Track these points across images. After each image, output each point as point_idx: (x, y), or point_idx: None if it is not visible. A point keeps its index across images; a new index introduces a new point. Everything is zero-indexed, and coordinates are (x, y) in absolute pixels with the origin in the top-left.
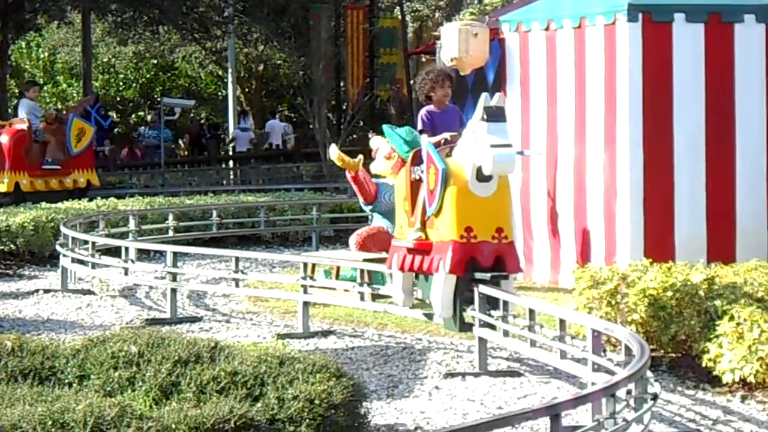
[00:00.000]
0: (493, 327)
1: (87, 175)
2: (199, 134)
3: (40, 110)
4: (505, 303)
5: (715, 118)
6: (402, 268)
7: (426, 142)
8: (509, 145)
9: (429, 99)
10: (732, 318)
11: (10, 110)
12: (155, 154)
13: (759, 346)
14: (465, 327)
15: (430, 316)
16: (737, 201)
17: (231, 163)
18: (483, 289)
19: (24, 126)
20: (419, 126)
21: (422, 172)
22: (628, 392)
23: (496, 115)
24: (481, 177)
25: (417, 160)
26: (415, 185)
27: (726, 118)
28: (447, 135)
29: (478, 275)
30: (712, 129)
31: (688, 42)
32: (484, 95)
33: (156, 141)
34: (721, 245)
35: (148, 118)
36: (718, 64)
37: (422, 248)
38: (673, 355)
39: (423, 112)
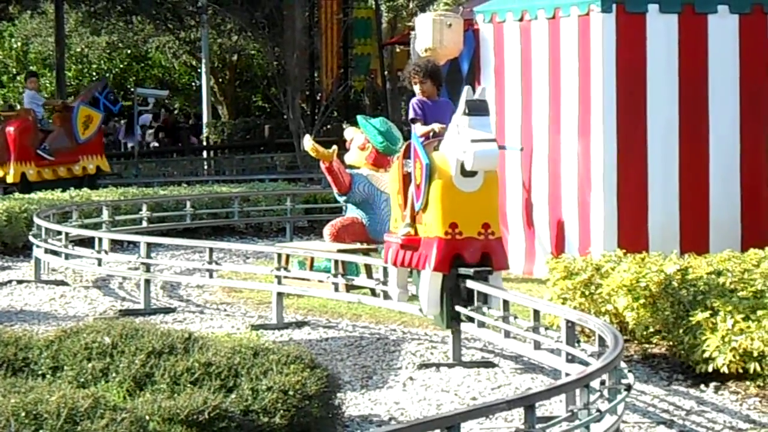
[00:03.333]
0: (483, 324)
1: (97, 161)
2: (175, 124)
3: (41, 99)
4: (490, 297)
5: (688, 109)
6: (395, 263)
7: (413, 134)
8: (492, 140)
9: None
10: (705, 308)
11: None
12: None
13: (732, 336)
14: (453, 324)
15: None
16: (711, 192)
17: (205, 153)
18: (470, 284)
19: (29, 116)
20: (410, 114)
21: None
22: (602, 383)
23: (478, 108)
24: (465, 172)
25: (409, 152)
26: (407, 178)
27: (700, 109)
28: (437, 126)
29: (462, 271)
30: (686, 120)
31: (661, 33)
32: (466, 88)
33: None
34: (694, 236)
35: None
36: (691, 55)
37: (412, 243)
38: (647, 345)
39: (414, 100)
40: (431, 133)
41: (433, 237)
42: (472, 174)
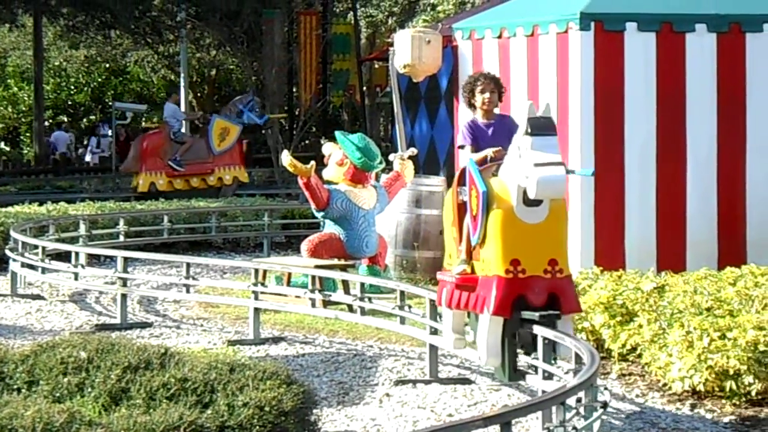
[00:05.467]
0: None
1: (234, 172)
2: (128, 136)
3: (182, 114)
4: (559, 345)
5: (666, 127)
6: (450, 305)
7: (467, 158)
8: (559, 164)
9: (473, 107)
10: (682, 326)
11: None
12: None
13: (708, 354)
14: (516, 376)
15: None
16: (688, 209)
17: None
18: (539, 330)
19: (164, 129)
20: (458, 141)
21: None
22: (578, 400)
23: (542, 127)
24: (528, 200)
25: (464, 178)
26: (462, 208)
27: (677, 127)
28: (491, 151)
29: (526, 314)
30: (664, 138)
31: (639, 51)
32: (529, 104)
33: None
34: (671, 254)
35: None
36: (669, 73)
37: (468, 283)
38: (624, 363)
39: (465, 124)
40: (488, 158)
41: (492, 276)
42: (537, 203)
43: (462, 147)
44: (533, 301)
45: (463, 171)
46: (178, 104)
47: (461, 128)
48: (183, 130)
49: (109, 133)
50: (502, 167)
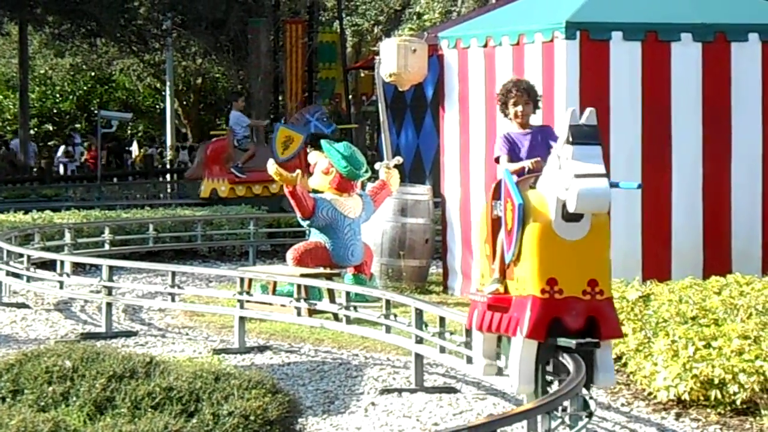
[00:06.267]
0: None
1: None
2: (120, 147)
3: (246, 120)
4: (596, 372)
5: (651, 136)
6: (480, 328)
7: (503, 170)
8: (602, 175)
9: (509, 119)
10: (667, 335)
11: None
12: None
13: (694, 364)
14: None
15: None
16: (673, 218)
17: (168, 176)
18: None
19: (228, 136)
20: (495, 152)
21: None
22: (564, 409)
23: (585, 136)
24: (568, 215)
25: (499, 192)
26: (496, 224)
27: (663, 137)
28: (529, 162)
29: (562, 341)
30: (649, 147)
31: (625, 60)
32: (571, 110)
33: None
34: (656, 263)
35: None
36: (655, 82)
37: (501, 304)
38: None
39: (501, 136)
40: (526, 170)
41: (527, 296)
42: (577, 218)
43: (497, 159)
44: (570, 325)
45: (499, 184)
46: (243, 111)
47: (497, 139)
48: (247, 136)
49: (80, 141)
50: (540, 179)
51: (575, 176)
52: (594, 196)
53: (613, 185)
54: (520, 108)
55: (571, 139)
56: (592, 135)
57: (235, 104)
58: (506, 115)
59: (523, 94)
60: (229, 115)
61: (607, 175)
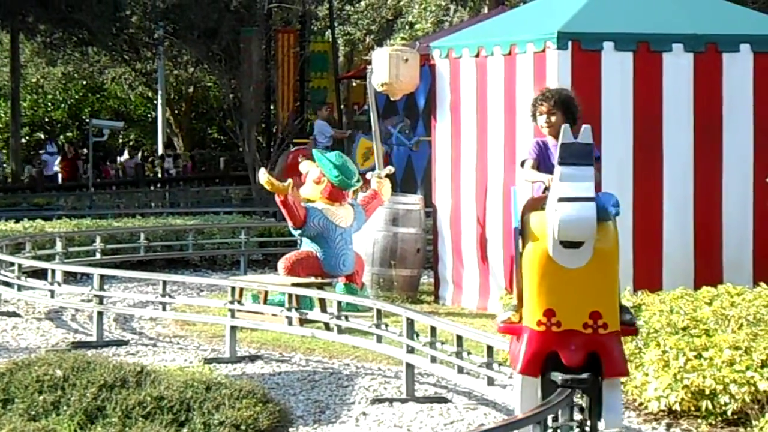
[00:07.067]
0: None
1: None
2: (76, 157)
3: (329, 130)
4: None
5: (643, 147)
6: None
7: (521, 178)
8: (588, 199)
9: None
10: (658, 346)
11: None
12: None
13: (684, 374)
14: None
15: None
16: (664, 229)
17: (159, 185)
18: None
19: (310, 144)
20: (523, 156)
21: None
22: (555, 419)
23: (575, 155)
24: (565, 241)
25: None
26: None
27: (654, 147)
28: (546, 178)
29: (554, 376)
30: (640, 157)
31: (616, 70)
32: (564, 127)
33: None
34: (647, 273)
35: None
36: (646, 93)
37: (512, 334)
38: None
39: (533, 141)
40: (544, 186)
41: (525, 327)
42: (576, 244)
43: (523, 163)
44: (567, 360)
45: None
46: (327, 119)
47: (531, 145)
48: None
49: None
50: (548, 199)
51: (558, 200)
52: (577, 222)
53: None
54: (544, 118)
55: (560, 159)
56: (583, 154)
57: (319, 113)
58: (540, 116)
59: (549, 104)
60: (314, 125)
61: (595, 198)
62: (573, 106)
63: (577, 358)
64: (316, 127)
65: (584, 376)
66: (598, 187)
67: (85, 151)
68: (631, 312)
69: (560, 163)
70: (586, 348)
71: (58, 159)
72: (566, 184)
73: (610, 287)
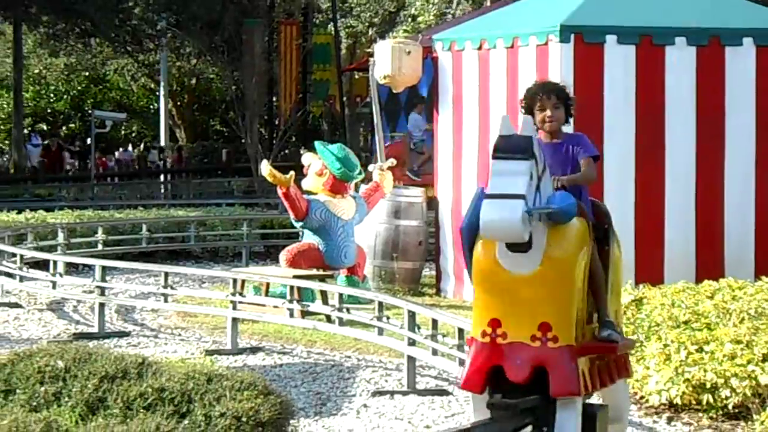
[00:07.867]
0: None
1: None
2: (60, 149)
3: (424, 123)
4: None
5: (645, 140)
6: None
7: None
8: (516, 196)
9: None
10: (659, 339)
11: None
12: None
13: (686, 368)
14: None
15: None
16: (666, 222)
17: (162, 177)
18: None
19: (405, 139)
20: None
21: None
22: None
23: (509, 149)
24: (513, 244)
25: None
26: None
27: (656, 140)
28: None
29: (494, 398)
30: (642, 150)
31: (619, 64)
32: (503, 117)
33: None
34: (649, 267)
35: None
36: (649, 86)
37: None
38: None
39: None
40: None
41: (472, 339)
42: (523, 248)
43: None
44: (512, 375)
45: None
46: (421, 114)
47: None
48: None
49: (40, 142)
50: None
51: (485, 196)
52: (499, 222)
53: (528, 212)
54: (548, 113)
55: (492, 152)
56: (519, 148)
57: (415, 108)
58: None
59: (551, 98)
60: (409, 119)
61: (524, 196)
62: (570, 100)
63: (523, 374)
64: (411, 120)
65: (513, 401)
66: (596, 186)
67: (77, 143)
68: (615, 329)
69: (493, 157)
70: (532, 362)
71: (39, 150)
72: (495, 179)
73: (565, 297)
